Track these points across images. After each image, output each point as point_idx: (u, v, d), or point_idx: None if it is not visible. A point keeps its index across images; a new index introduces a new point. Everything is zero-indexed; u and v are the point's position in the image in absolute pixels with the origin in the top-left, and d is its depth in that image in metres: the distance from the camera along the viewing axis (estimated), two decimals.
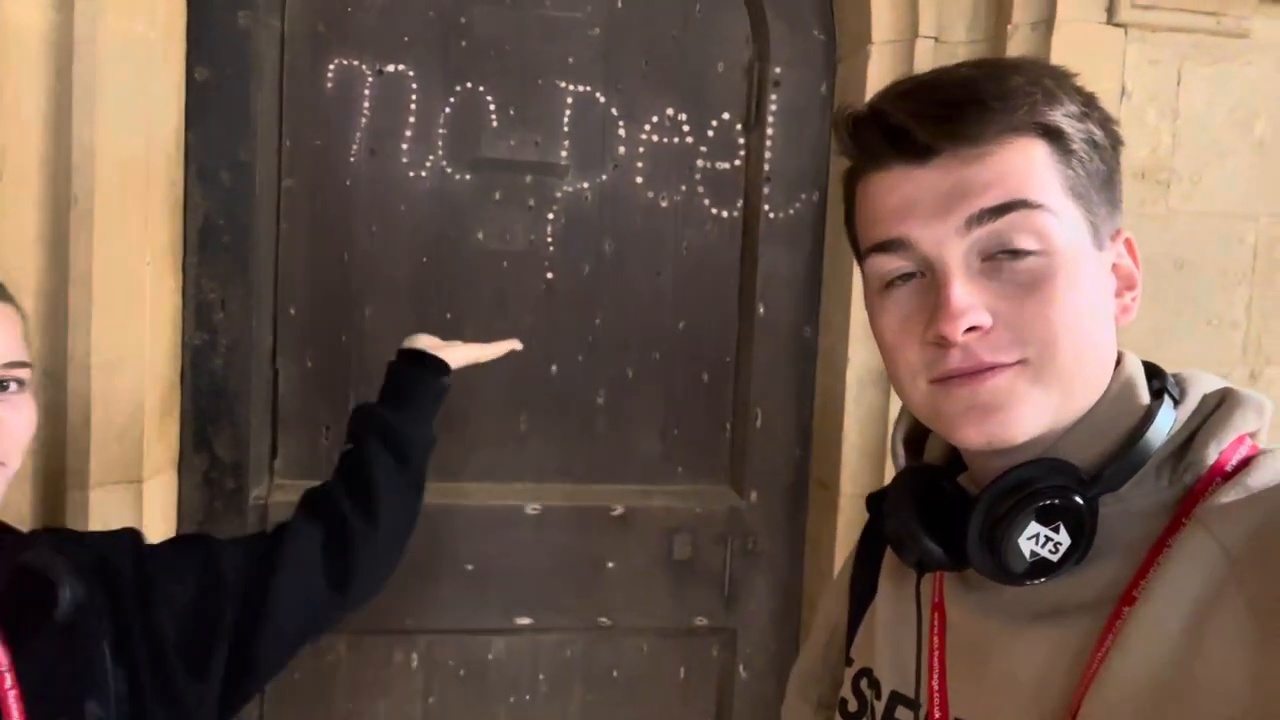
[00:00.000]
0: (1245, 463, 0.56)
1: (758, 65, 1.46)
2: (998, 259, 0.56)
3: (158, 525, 1.30)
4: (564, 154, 1.43)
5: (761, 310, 1.47)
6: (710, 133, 1.47)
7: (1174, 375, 0.62)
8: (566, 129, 1.43)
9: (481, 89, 1.41)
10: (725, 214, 1.48)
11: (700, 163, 1.47)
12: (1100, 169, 0.59)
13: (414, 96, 1.39)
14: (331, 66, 1.38)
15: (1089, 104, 0.60)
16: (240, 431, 1.37)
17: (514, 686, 1.49)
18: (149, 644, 0.88)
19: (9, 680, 0.81)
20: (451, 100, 1.40)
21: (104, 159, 1.16)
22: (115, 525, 1.24)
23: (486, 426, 1.45)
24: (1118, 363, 0.61)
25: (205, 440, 1.37)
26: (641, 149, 1.45)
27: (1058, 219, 0.56)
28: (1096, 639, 0.55)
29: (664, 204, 1.46)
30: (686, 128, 1.46)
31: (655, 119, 1.46)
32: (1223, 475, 0.56)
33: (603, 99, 1.44)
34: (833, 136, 0.63)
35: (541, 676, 1.49)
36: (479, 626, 1.45)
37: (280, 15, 1.36)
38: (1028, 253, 0.56)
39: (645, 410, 1.49)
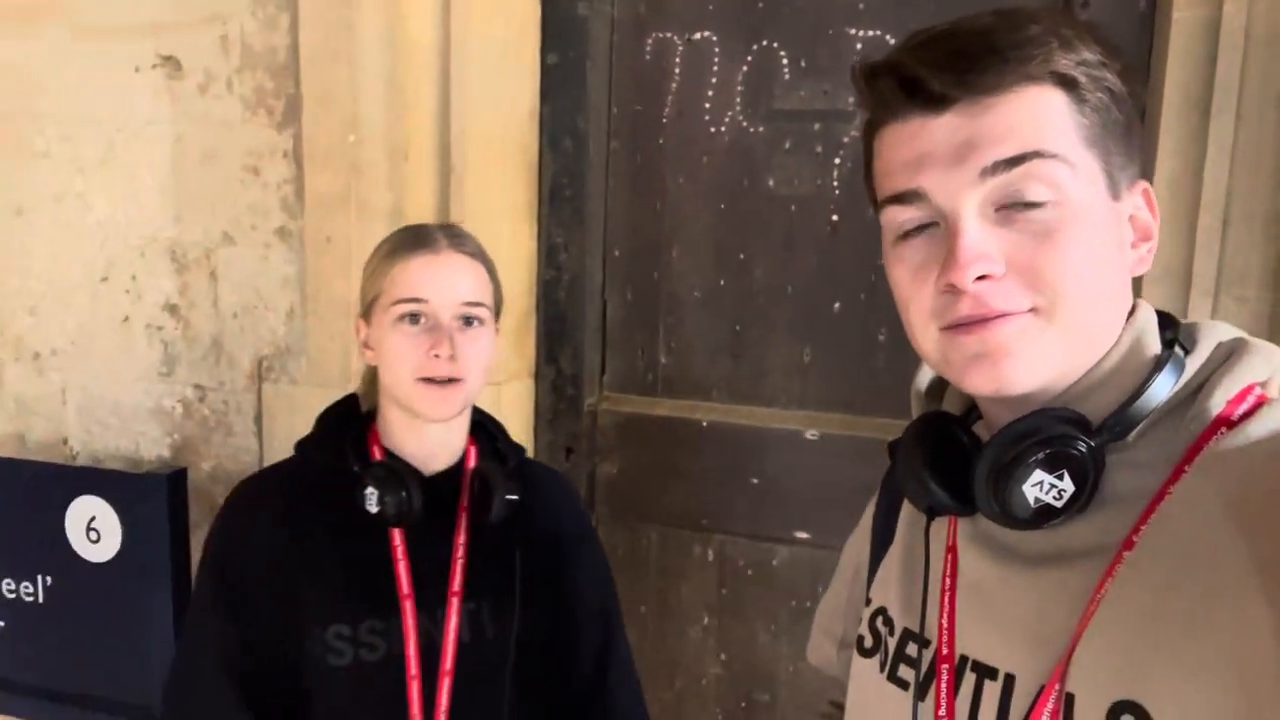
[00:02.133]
0: (1251, 412, 0.53)
1: None
2: (1011, 209, 0.58)
3: (515, 419, 1.67)
4: (851, 100, 1.49)
5: None
6: None
7: (1187, 325, 0.59)
8: None
9: (775, 45, 1.53)
10: None
11: None
12: (1118, 119, 0.58)
13: (716, 59, 1.56)
14: (650, 40, 1.60)
15: (1110, 54, 0.58)
16: (578, 350, 1.69)
17: (794, 592, 1.64)
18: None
19: (461, 552, 1.07)
20: (749, 59, 1.54)
21: (473, 137, 1.52)
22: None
23: (774, 357, 1.60)
24: (1131, 313, 0.59)
25: (553, 356, 1.71)
26: None
27: (1073, 169, 0.57)
28: (1097, 583, 0.57)
29: None
30: None
31: None
32: (1228, 424, 0.54)
33: (892, 41, 1.47)
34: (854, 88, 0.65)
35: (821, 588, 1.62)
36: (763, 534, 1.63)
37: (612, 1, 1.61)
38: (1042, 203, 0.57)
39: None
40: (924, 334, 0.63)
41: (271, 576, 1.03)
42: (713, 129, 1.58)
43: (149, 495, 1.40)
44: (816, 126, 1.52)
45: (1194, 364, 0.58)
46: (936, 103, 0.59)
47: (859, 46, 1.48)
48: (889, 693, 0.70)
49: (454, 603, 1.05)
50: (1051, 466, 0.58)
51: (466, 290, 1.05)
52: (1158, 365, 0.58)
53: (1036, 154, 0.57)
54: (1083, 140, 0.57)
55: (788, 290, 1.58)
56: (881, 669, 0.71)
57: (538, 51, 1.61)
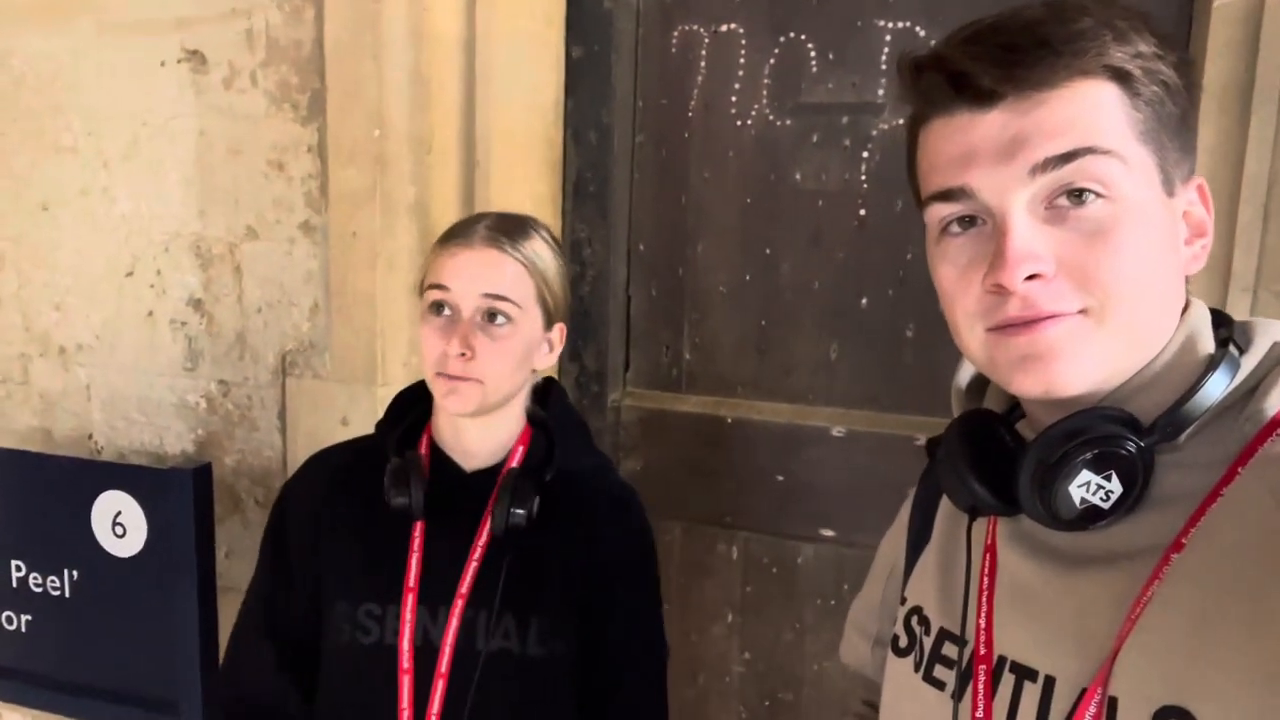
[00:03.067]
0: None
1: None
2: (1062, 206, 0.56)
3: None
4: (880, 92, 1.48)
5: None
6: None
7: (1241, 323, 0.58)
8: (884, 67, 1.47)
9: (803, 37, 1.51)
10: None
11: None
12: (1174, 112, 0.56)
13: (743, 52, 1.54)
14: (676, 33, 1.58)
15: (1166, 45, 0.56)
16: (602, 347, 1.68)
17: (820, 590, 1.63)
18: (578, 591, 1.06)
19: (477, 554, 1.03)
20: (775, 51, 1.53)
21: (498, 131, 1.51)
22: None
23: (800, 353, 1.59)
24: (1184, 311, 0.58)
25: (577, 352, 1.70)
26: None
27: (1126, 165, 0.55)
28: (1143, 585, 0.55)
29: None
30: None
31: None
32: None
33: (923, 33, 1.45)
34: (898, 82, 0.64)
35: (846, 587, 1.61)
36: (788, 532, 1.61)
37: None
38: (1094, 200, 0.55)
39: (955, 346, 1.49)
40: (969, 334, 0.61)
41: (309, 543, 1.08)
42: (739, 122, 1.56)
43: (174, 490, 1.40)
44: (845, 120, 1.50)
45: (1249, 363, 0.57)
46: (985, 98, 0.57)
47: (888, 39, 1.47)
48: (925, 693, 0.69)
49: (458, 605, 1.02)
50: (1099, 467, 0.56)
51: (491, 282, 1.01)
52: (1211, 364, 0.57)
53: (1089, 150, 0.55)
54: (1137, 135, 0.56)
55: (814, 286, 1.56)
56: (917, 669, 0.70)
57: (562, 44, 1.60)
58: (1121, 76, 0.56)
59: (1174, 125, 0.57)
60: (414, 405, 1.13)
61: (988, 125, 0.57)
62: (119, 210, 1.67)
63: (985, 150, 0.57)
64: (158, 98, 1.59)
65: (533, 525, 1.03)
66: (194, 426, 1.69)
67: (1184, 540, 0.54)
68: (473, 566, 1.03)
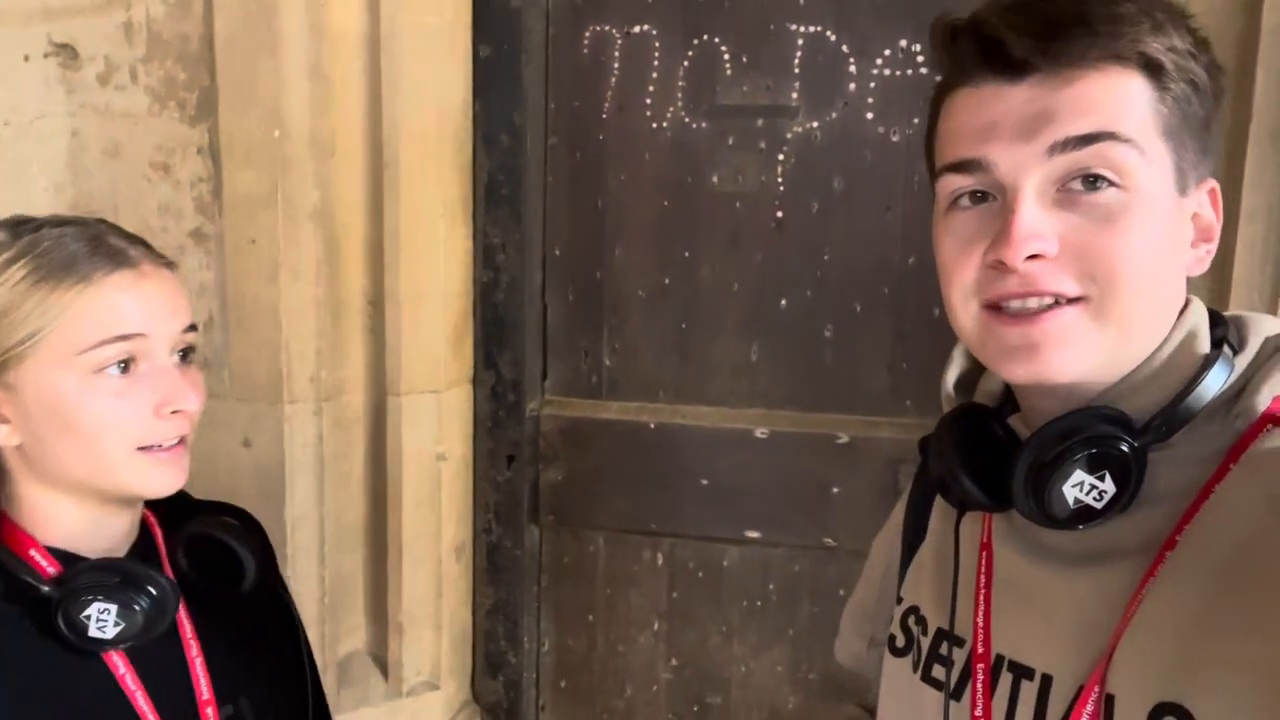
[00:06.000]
0: None
1: None
2: (1074, 191, 0.56)
3: (454, 427, 1.60)
4: (794, 95, 1.49)
5: None
6: None
7: (1234, 319, 0.59)
8: (797, 70, 1.49)
9: (716, 40, 1.51)
10: None
11: None
12: (1198, 113, 0.56)
13: (656, 54, 1.53)
14: (587, 34, 1.55)
15: (1200, 46, 0.57)
16: (518, 354, 1.63)
17: (746, 592, 1.63)
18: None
19: (195, 649, 0.81)
20: (689, 54, 1.52)
21: (406, 132, 1.44)
22: (424, 426, 1.57)
23: (721, 355, 1.58)
24: (1183, 311, 0.59)
25: (493, 360, 1.64)
26: (873, 84, 1.46)
27: (1143, 157, 0.55)
28: (1138, 582, 0.56)
29: (895, 138, 1.47)
30: (921, 58, 1.45)
31: (888, 52, 1.46)
32: (1275, 421, 0.54)
33: (833, 37, 1.47)
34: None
35: (771, 586, 1.62)
36: (713, 535, 1.61)
37: None
38: (1107, 187, 0.55)
39: (873, 344, 1.52)
40: (963, 309, 0.60)
41: None
42: (654, 125, 1.55)
43: None
44: (760, 122, 1.51)
45: (1242, 362, 0.58)
46: (1015, 70, 0.57)
47: (800, 43, 1.48)
48: (923, 693, 0.68)
49: (208, 716, 0.81)
50: (1093, 467, 0.56)
51: (184, 311, 0.78)
52: (1206, 364, 0.57)
53: (1111, 136, 0.55)
54: (1158, 130, 0.56)
55: (734, 288, 1.56)
56: (915, 669, 0.69)
57: (470, 43, 1.55)
58: (1153, 68, 0.55)
59: (1196, 126, 0.57)
60: None
61: (1013, 98, 0.57)
62: None
63: (1007, 124, 0.57)
64: (22, 95, 1.45)
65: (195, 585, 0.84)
66: None
67: (1178, 537, 0.55)
68: (198, 662, 0.82)
